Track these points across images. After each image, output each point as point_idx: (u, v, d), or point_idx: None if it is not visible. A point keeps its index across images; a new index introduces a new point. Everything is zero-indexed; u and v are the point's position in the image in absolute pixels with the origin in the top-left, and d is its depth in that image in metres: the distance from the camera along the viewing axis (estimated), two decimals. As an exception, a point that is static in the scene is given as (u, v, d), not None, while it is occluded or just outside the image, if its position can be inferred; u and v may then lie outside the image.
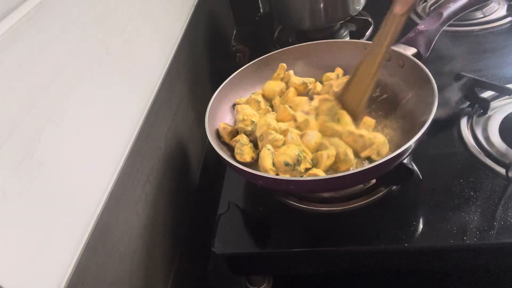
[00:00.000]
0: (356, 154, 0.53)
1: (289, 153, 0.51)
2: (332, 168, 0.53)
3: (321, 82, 0.67)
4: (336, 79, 0.67)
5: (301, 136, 0.56)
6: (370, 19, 0.92)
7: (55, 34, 0.38)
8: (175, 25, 0.70)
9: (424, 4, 0.96)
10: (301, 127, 0.57)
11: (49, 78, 0.36)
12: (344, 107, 0.59)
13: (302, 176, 0.52)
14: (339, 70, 0.68)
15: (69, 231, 0.37)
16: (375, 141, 0.52)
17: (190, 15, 0.77)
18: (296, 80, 0.66)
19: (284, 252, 0.53)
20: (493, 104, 0.63)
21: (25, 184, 0.32)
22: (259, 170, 0.53)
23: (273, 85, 0.66)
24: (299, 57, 0.70)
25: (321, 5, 0.84)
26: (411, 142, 0.45)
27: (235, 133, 0.62)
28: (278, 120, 0.59)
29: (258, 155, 0.56)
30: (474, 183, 0.53)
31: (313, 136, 0.55)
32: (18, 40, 0.33)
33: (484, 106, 0.62)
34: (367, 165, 0.45)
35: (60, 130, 0.37)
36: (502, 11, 0.86)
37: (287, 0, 0.86)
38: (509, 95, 0.63)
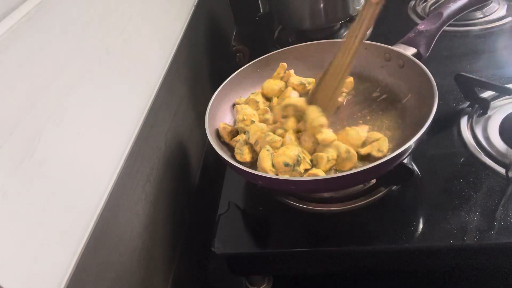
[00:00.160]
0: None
1: (289, 153, 0.51)
2: (336, 168, 0.53)
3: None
4: (336, 79, 0.67)
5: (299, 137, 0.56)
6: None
7: (55, 34, 0.38)
8: (175, 25, 0.70)
9: (424, 4, 0.97)
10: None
11: (49, 78, 0.36)
12: (317, 103, 0.56)
13: (302, 176, 0.52)
14: (339, 70, 0.68)
15: (69, 231, 0.37)
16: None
17: (190, 15, 0.77)
18: (294, 80, 0.66)
19: (284, 252, 0.53)
20: (493, 104, 0.63)
21: (25, 184, 0.32)
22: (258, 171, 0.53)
23: (273, 84, 0.66)
24: (299, 57, 0.70)
25: (321, 5, 0.84)
26: (411, 142, 0.45)
27: (235, 133, 0.62)
28: (275, 121, 0.59)
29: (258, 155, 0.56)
30: (474, 183, 0.53)
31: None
32: (18, 40, 0.33)
33: (484, 106, 0.62)
34: (367, 165, 0.45)
35: (60, 130, 0.37)
36: (502, 11, 0.86)
37: (287, 0, 0.86)
38: (509, 95, 0.63)
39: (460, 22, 0.84)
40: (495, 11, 0.87)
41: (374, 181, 0.55)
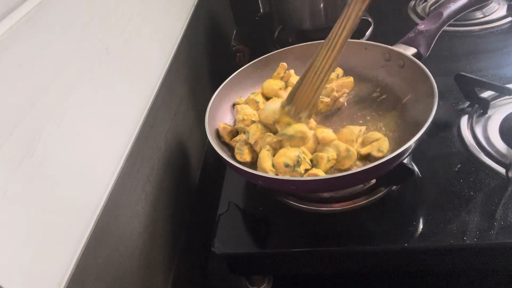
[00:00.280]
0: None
1: (289, 154, 0.51)
2: (336, 167, 0.53)
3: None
4: (336, 79, 0.67)
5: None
6: (370, 19, 0.92)
7: (55, 34, 0.38)
8: (175, 25, 0.70)
9: (424, 4, 0.97)
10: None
11: (49, 78, 0.36)
12: (295, 105, 0.54)
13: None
14: (339, 70, 0.68)
15: (69, 231, 0.37)
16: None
17: (190, 15, 0.77)
18: (294, 80, 0.66)
19: (284, 252, 0.53)
20: (493, 104, 0.63)
21: (25, 184, 0.32)
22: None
23: (273, 84, 0.66)
24: (299, 57, 0.70)
25: (321, 5, 0.84)
26: (411, 142, 0.45)
27: (235, 133, 0.62)
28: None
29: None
30: (474, 183, 0.53)
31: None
32: (18, 40, 0.33)
33: (484, 106, 0.62)
34: (367, 165, 0.45)
35: (60, 130, 0.37)
36: (502, 11, 0.86)
37: (287, 0, 0.86)
38: (509, 95, 0.63)
39: (460, 22, 0.84)
40: (495, 11, 0.87)
41: (374, 181, 0.55)
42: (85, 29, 0.43)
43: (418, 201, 0.54)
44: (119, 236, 0.45)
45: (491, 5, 0.88)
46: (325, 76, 0.52)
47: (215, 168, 0.78)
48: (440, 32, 0.65)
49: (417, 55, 0.62)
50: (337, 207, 0.55)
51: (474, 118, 0.62)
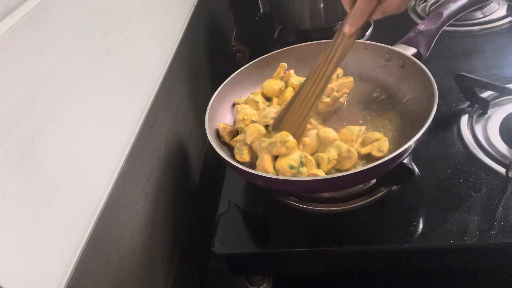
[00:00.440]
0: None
1: (292, 156, 0.51)
2: (336, 167, 0.53)
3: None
4: (336, 79, 0.67)
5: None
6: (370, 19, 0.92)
7: (55, 34, 0.38)
8: (175, 25, 0.70)
9: (424, 4, 0.97)
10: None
11: (49, 78, 0.36)
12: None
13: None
14: (339, 70, 0.68)
15: (69, 231, 0.37)
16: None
17: (190, 15, 0.77)
18: (294, 80, 0.66)
19: (284, 252, 0.53)
20: (493, 104, 0.63)
21: (25, 184, 0.32)
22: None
23: (273, 84, 0.66)
24: (299, 57, 0.70)
25: (321, 5, 0.84)
26: (411, 142, 0.45)
27: (235, 133, 0.62)
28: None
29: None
30: (474, 183, 0.53)
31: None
32: (18, 40, 0.33)
33: (484, 106, 0.62)
34: (367, 165, 0.45)
35: (60, 130, 0.37)
36: (502, 11, 0.86)
37: (287, 0, 0.86)
38: (509, 95, 0.63)
39: (460, 22, 0.84)
40: (495, 11, 0.87)
41: (374, 181, 0.55)
42: (85, 29, 0.43)
43: (418, 201, 0.54)
44: (119, 236, 0.45)
45: (491, 5, 0.88)
46: (313, 105, 0.53)
47: (215, 168, 0.78)
48: (440, 32, 0.65)
49: (417, 55, 0.62)
50: (337, 207, 0.55)
51: (474, 118, 0.62)
